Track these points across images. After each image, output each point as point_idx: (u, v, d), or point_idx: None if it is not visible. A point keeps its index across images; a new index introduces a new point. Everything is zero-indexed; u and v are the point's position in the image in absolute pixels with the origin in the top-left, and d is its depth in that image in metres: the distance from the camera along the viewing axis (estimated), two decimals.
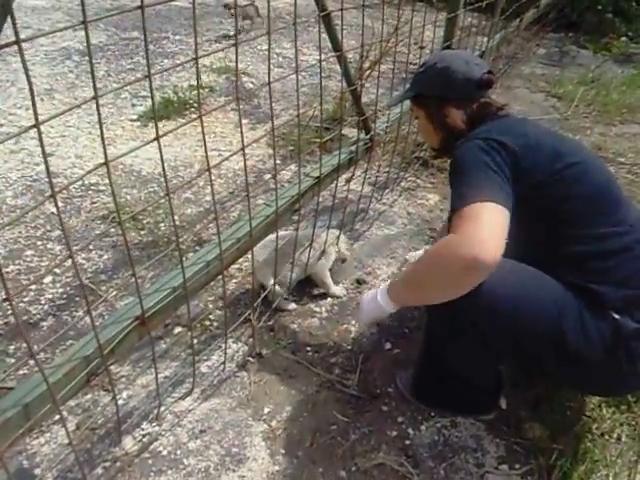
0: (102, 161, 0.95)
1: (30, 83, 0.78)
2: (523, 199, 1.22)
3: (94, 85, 0.89)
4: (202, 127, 1.12)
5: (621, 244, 1.23)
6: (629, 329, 1.17)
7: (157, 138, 1.04)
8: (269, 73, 1.29)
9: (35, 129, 0.81)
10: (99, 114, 0.92)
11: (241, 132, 1.19)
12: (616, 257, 1.23)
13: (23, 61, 0.76)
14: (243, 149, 1.25)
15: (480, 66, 1.46)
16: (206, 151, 1.17)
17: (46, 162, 0.85)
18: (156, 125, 1.07)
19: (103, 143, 0.95)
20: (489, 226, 1.09)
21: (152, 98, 1.04)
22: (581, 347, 1.19)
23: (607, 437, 1.54)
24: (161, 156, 1.07)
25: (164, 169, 1.09)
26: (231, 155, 1.30)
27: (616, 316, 1.18)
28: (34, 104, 0.79)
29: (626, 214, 1.28)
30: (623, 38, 5.18)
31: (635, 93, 4.06)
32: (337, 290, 2.00)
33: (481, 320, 1.26)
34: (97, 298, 1.88)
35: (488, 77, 1.45)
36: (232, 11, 4.46)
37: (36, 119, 0.81)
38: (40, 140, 0.83)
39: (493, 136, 1.28)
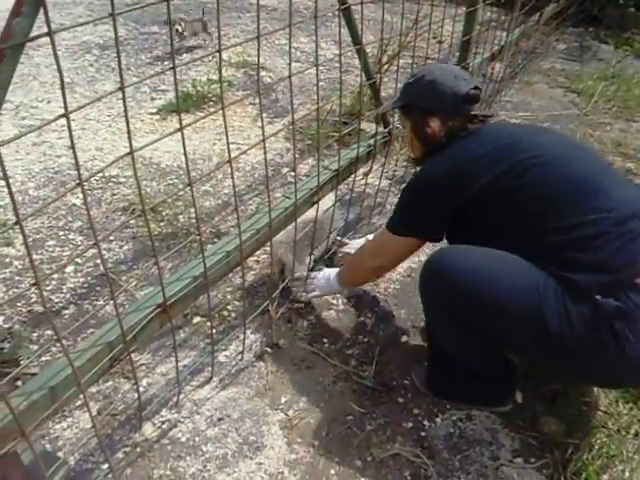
0: (123, 153, 0.98)
1: (61, 73, 0.80)
2: (492, 205, 1.37)
3: (121, 75, 0.91)
4: (224, 118, 1.14)
5: (596, 231, 1.24)
6: (610, 308, 1.17)
7: (180, 129, 1.06)
8: (290, 66, 1.30)
9: (62, 119, 0.84)
10: (125, 103, 0.94)
11: (262, 123, 1.20)
12: (590, 245, 1.23)
13: (54, 52, 0.78)
14: (264, 141, 1.27)
15: (467, 82, 1.51)
16: (228, 142, 1.19)
17: (74, 149, 0.88)
18: (179, 116, 1.09)
19: (129, 133, 0.97)
20: (390, 254, 1.63)
21: (176, 90, 1.06)
22: (564, 331, 1.20)
23: (624, 433, 1.54)
24: (184, 147, 1.09)
25: (187, 159, 1.11)
26: (251, 147, 1.32)
27: (598, 297, 1.19)
28: (64, 94, 0.81)
29: (607, 199, 1.28)
30: None
31: None
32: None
33: (461, 308, 1.34)
34: (118, 288, 1.91)
35: (474, 93, 1.50)
36: (176, 27, 4.00)
37: (65, 108, 0.83)
38: (69, 128, 0.85)
39: (449, 166, 1.44)
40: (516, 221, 1.34)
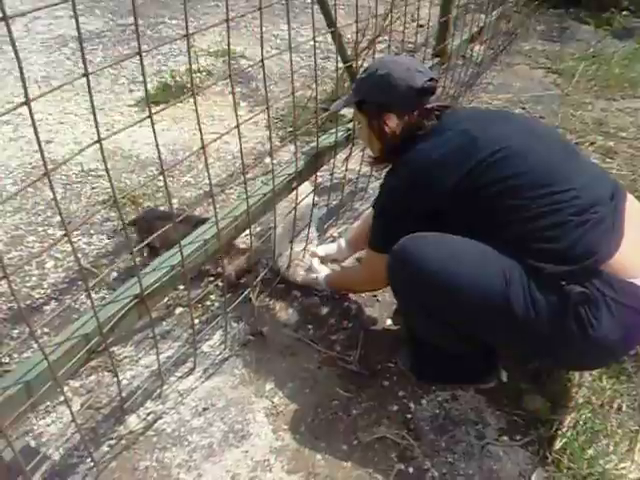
0: (104, 145, 0.96)
1: (18, 58, 0.77)
2: (458, 205, 1.36)
3: (84, 62, 0.89)
4: (195, 103, 1.12)
5: (556, 220, 1.24)
6: (575, 294, 1.18)
7: (150, 116, 1.04)
8: (262, 50, 1.29)
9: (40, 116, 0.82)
10: (89, 90, 0.92)
11: (234, 106, 1.18)
12: (551, 235, 1.23)
13: (11, 37, 0.76)
14: (238, 127, 1.25)
15: (423, 73, 1.45)
16: (200, 127, 1.17)
17: (38, 138, 0.86)
18: (148, 102, 1.07)
19: (96, 122, 0.96)
20: (379, 272, 1.47)
21: (143, 75, 1.04)
22: (530, 316, 1.22)
23: (607, 408, 1.55)
24: (154, 135, 1.07)
25: (157, 145, 1.09)
26: (226, 132, 1.30)
27: (563, 283, 1.19)
28: (23, 80, 0.79)
29: (569, 186, 1.27)
30: (625, 12, 5.09)
31: (637, 67, 4.00)
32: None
33: (427, 294, 1.35)
34: (99, 281, 1.89)
35: (430, 85, 1.45)
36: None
37: (26, 96, 0.81)
38: (31, 117, 0.83)
39: (408, 179, 1.42)
40: (482, 217, 1.34)
